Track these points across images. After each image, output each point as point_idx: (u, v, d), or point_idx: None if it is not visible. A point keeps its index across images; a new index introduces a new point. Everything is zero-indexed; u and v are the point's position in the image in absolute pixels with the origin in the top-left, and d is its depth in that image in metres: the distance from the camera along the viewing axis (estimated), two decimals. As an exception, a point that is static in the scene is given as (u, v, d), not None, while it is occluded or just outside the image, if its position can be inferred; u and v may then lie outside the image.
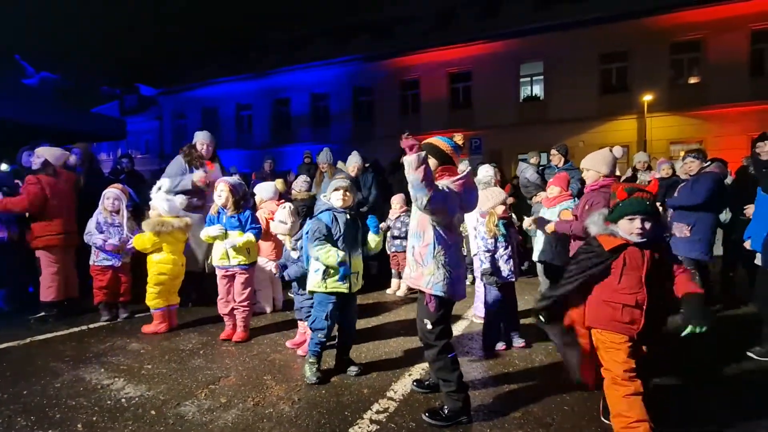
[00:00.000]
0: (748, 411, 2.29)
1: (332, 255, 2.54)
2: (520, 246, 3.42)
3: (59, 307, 4.05)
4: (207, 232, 3.36)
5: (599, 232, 1.98)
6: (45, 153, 4.17)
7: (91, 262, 3.91)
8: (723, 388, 2.56)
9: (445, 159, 2.18)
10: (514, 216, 3.56)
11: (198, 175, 4.18)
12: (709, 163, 4.14)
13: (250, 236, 3.34)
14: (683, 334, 1.81)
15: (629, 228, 1.87)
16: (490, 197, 3.24)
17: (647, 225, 1.85)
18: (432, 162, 2.16)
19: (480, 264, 3.23)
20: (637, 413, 1.83)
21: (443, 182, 2.08)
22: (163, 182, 3.82)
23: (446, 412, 2.14)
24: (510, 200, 4.21)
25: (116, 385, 2.60)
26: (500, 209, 3.22)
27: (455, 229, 2.23)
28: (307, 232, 2.75)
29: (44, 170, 4.06)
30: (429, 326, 2.17)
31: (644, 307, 1.85)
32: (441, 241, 2.11)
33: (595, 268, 1.92)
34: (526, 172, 6.08)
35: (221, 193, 3.36)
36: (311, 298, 2.84)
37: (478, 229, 3.29)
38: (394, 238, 4.94)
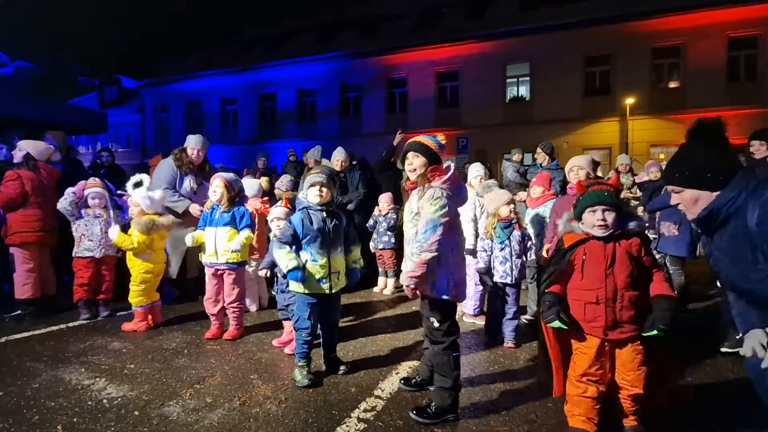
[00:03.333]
0: (725, 407, 2.38)
1: (284, 260, 2.53)
2: (525, 249, 3.34)
3: (36, 305, 3.93)
4: (194, 236, 3.32)
5: (564, 231, 1.98)
6: (28, 146, 4.01)
7: (73, 254, 3.82)
8: (700, 384, 2.64)
9: (434, 158, 2.20)
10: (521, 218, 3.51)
11: (195, 209, 4.08)
12: None
13: (248, 233, 3.30)
14: (645, 333, 1.83)
15: (591, 220, 1.86)
16: (494, 199, 3.29)
17: (609, 216, 1.83)
18: (421, 160, 2.18)
19: (476, 262, 3.31)
20: (582, 411, 1.89)
21: (435, 183, 2.12)
22: (156, 192, 3.78)
23: (433, 409, 2.16)
24: (521, 196, 4.18)
25: (97, 386, 2.54)
26: (504, 211, 3.24)
27: (457, 229, 2.23)
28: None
29: (25, 164, 3.92)
30: (436, 324, 2.18)
31: (604, 303, 1.82)
32: (444, 244, 2.08)
33: (557, 266, 1.91)
34: (507, 171, 6.17)
35: (216, 189, 3.31)
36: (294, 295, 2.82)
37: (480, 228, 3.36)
38: (380, 235, 4.94)
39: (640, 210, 4.59)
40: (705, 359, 2.97)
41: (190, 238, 3.33)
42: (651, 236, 4.33)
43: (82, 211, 3.84)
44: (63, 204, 3.78)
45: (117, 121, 22.01)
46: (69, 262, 3.89)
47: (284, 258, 2.54)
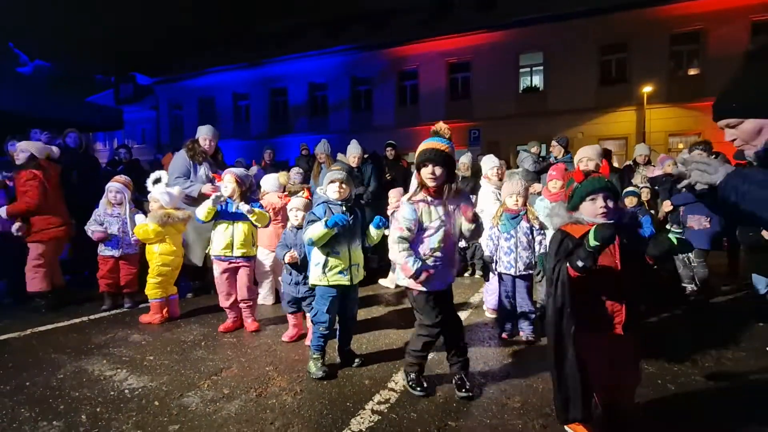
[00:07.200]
0: (745, 405, 2.34)
1: (316, 227, 2.53)
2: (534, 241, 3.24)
3: (48, 297, 4.06)
4: (204, 207, 3.28)
5: (563, 222, 1.86)
6: (30, 147, 4.08)
7: (98, 251, 4.00)
8: (719, 380, 2.60)
9: (452, 164, 2.23)
10: (535, 211, 3.34)
11: (207, 188, 4.15)
12: (714, 155, 4.15)
13: (262, 211, 3.35)
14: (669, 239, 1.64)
15: (593, 209, 1.78)
16: (505, 189, 3.27)
17: (610, 203, 1.77)
18: (442, 170, 2.18)
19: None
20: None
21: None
22: (172, 182, 3.87)
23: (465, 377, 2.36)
24: (536, 187, 4.10)
25: (119, 376, 2.62)
26: (510, 201, 3.20)
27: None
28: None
29: (31, 164, 3.98)
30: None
31: (623, 295, 1.74)
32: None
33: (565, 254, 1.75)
34: (525, 162, 6.10)
35: (228, 185, 3.36)
36: (311, 289, 2.86)
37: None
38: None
39: (666, 204, 4.39)
40: (725, 354, 2.91)
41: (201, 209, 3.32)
42: (676, 230, 4.24)
43: (100, 207, 3.97)
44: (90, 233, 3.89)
45: (132, 118, 22.38)
46: (87, 257, 4.01)
47: (314, 229, 2.55)
